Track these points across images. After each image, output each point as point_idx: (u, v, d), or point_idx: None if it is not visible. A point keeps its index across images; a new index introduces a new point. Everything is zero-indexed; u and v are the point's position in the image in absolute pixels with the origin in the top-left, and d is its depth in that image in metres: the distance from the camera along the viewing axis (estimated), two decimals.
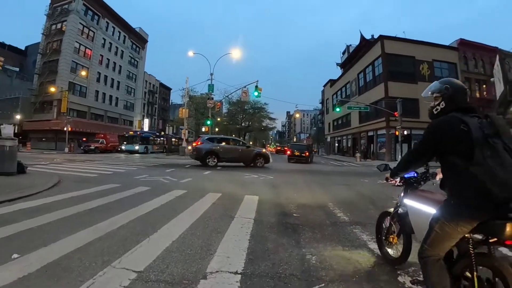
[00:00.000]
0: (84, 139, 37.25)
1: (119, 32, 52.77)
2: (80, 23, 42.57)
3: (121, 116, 53.72)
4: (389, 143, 32.07)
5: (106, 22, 48.84)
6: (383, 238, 3.28)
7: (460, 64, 37.82)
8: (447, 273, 1.98)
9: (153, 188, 7.96)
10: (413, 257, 2.62)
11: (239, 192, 7.84)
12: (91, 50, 45.26)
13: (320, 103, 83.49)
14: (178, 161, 21.56)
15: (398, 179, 2.86)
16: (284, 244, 3.77)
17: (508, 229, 1.69)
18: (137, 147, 33.47)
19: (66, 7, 41.40)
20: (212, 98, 27.49)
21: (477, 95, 39.21)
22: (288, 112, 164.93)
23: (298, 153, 24.33)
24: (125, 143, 34.30)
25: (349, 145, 45.57)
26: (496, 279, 1.78)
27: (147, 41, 62.71)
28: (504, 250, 2.43)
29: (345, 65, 51.32)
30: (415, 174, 2.86)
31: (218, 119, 51.09)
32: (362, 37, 41.24)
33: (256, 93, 22.93)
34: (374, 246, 3.66)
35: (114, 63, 51.51)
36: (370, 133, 36.89)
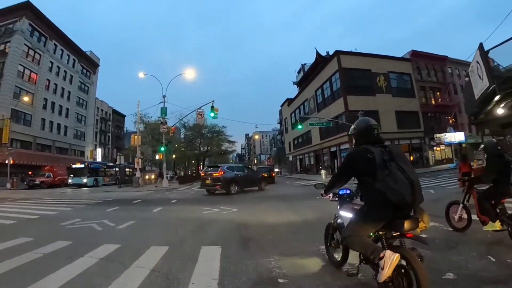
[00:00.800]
0: (30, 172, 32.76)
1: (68, 55, 48.41)
2: (25, 44, 38.10)
3: (71, 146, 48.61)
4: None
5: (54, 44, 44.50)
6: (329, 245, 3.91)
7: (414, 74, 38.72)
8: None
9: (74, 244, 5.36)
10: (351, 259, 3.43)
11: (194, 241, 5.48)
12: (36, 74, 40.47)
13: (278, 123, 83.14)
14: (129, 194, 18.61)
15: (331, 195, 3.54)
16: None
17: (405, 225, 2.43)
18: (85, 180, 29.74)
19: (10, 26, 36.86)
20: (166, 123, 24.91)
21: (433, 102, 40.22)
22: (247, 135, 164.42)
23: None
24: (72, 176, 30.56)
25: (311, 163, 44.46)
26: (404, 261, 2.36)
27: (98, 65, 58.39)
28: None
29: (302, 83, 51.07)
30: (348, 191, 3.57)
31: (176, 145, 48.21)
32: (318, 54, 41.07)
33: (212, 114, 20.74)
34: None
35: (63, 88, 46.81)
36: (333, 149, 35.95)
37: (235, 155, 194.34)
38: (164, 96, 25.04)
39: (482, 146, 5.13)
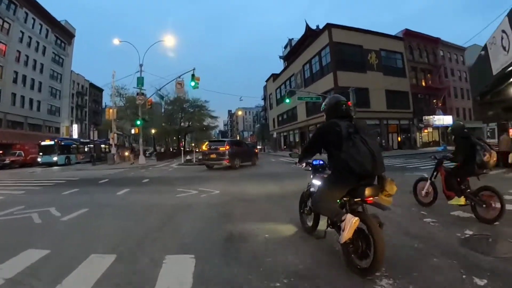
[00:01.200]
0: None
1: (41, 25, 43.81)
2: None
3: (45, 122, 45.01)
4: None
5: (25, 12, 39.89)
6: (302, 211, 4.21)
7: (406, 54, 37.46)
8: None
9: None
10: (322, 225, 3.56)
11: (156, 246, 3.76)
12: (5, 45, 36.46)
13: (262, 99, 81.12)
14: (99, 173, 16.54)
15: (304, 164, 3.85)
16: None
17: (366, 192, 2.72)
18: (55, 158, 27.10)
19: None
20: (143, 94, 22.62)
21: (423, 83, 39.20)
22: (229, 111, 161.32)
23: None
24: (41, 154, 27.84)
25: (296, 140, 43.06)
26: (364, 226, 2.65)
27: (74, 36, 53.54)
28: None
29: (289, 58, 48.95)
30: (322, 162, 3.78)
31: (155, 120, 45.73)
32: (308, 27, 38.93)
33: (192, 84, 18.65)
34: None
35: (35, 60, 42.64)
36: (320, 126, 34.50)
37: (218, 132, 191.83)
38: (141, 65, 22.61)
39: (450, 128, 5.44)
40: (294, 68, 42.17)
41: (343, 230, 2.63)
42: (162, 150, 51.25)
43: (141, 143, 23.70)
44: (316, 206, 3.17)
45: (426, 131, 40.39)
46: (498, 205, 4.22)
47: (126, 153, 33.75)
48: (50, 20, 46.11)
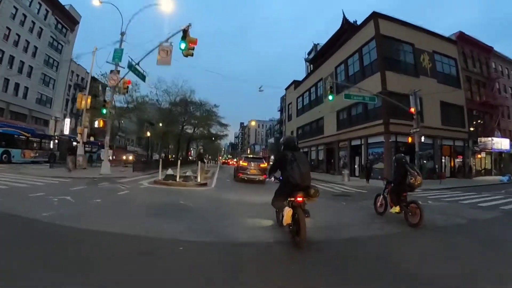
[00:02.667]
0: None
1: (40, 4, 38.56)
2: None
3: (31, 112, 39.18)
4: (388, 154, 22.60)
5: None
6: (277, 211, 5.90)
7: (459, 61, 30.30)
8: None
9: None
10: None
11: None
12: None
13: (279, 110, 74.41)
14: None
15: (273, 179, 5.65)
16: None
17: (297, 195, 4.69)
18: None
19: None
20: (118, 72, 15.79)
21: (478, 98, 31.91)
22: (241, 123, 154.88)
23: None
24: None
25: (321, 158, 35.74)
26: (297, 215, 4.61)
27: (78, 23, 48.12)
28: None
29: (316, 61, 42.19)
30: (281, 177, 5.16)
31: (158, 124, 39.10)
32: (345, 20, 32.12)
33: (183, 46, 11.70)
34: None
35: (27, 42, 37.29)
36: (356, 142, 27.31)
37: (228, 144, 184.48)
38: (122, 34, 15.97)
39: (394, 158, 7.75)
40: (323, 72, 35.29)
41: (283, 216, 4.82)
42: (163, 156, 44.43)
43: (107, 141, 16.30)
44: (273, 203, 5.37)
45: (479, 156, 32.86)
46: (419, 214, 6.37)
47: (127, 157, 26.91)
48: (52, 1, 40.60)
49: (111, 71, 15.64)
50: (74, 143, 22.48)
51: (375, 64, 24.92)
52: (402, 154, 7.56)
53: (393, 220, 6.97)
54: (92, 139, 43.03)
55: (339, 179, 22.04)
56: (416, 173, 6.74)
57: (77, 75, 52.06)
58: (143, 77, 15.54)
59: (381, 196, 7.76)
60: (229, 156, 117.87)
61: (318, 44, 51.82)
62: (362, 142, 26.02)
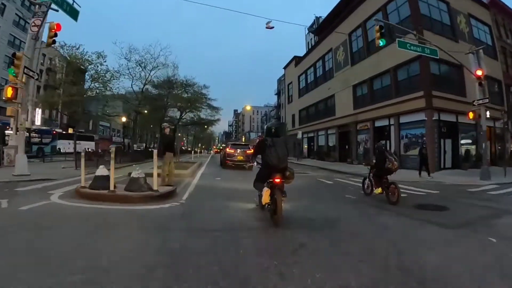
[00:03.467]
0: None
1: None
2: None
3: None
4: (431, 136, 17.57)
5: None
6: (258, 194, 5.84)
7: (494, 29, 25.26)
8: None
9: None
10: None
11: None
12: None
13: (275, 94, 68.93)
14: None
15: (255, 163, 5.93)
16: None
17: (276, 177, 5.01)
18: None
19: None
20: (44, 14, 10.03)
21: None
22: (235, 111, 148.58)
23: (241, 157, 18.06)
24: None
25: (331, 144, 30.35)
26: (275, 195, 4.84)
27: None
28: None
29: (321, 31, 36.44)
30: (261, 162, 5.60)
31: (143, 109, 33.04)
32: None
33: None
34: None
35: None
36: (381, 122, 22.02)
37: (222, 133, 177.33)
38: None
39: (376, 145, 8.76)
40: (332, 42, 29.76)
41: (261, 196, 5.21)
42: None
43: (22, 123, 10.45)
44: (254, 184, 5.73)
45: None
46: (397, 194, 7.30)
47: (111, 149, 21.46)
48: None
49: (34, 14, 9.98)
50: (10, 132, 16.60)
51: (407, 22, 19.46)
52: (383, 142, 10.89)
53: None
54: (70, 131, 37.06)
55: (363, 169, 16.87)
56: (393, 159, 7.67)
57: (49, 59, 44.92)
58: (72, 12, 9.87)
59: (367, 179, 8.68)
60: (222, 145, 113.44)
61: (320, 17, 46.25)
62: (391, 122, 20.68)
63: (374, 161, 8.14)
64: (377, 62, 21.87)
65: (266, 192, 5.00)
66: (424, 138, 17.90)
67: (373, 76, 22.33)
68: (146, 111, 34.51)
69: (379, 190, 7.79)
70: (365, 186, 8.70)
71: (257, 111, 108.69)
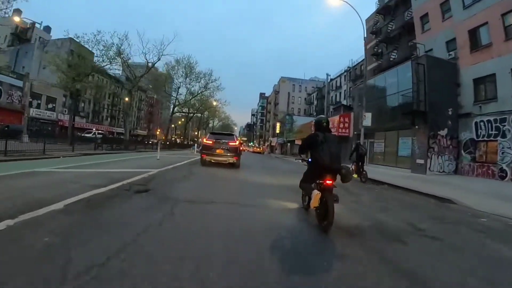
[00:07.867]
0: None
1: None
2: None
3: None
4: None
5: None
6: (302, 194, 5.81)
7: None
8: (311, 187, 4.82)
9: None
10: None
11: None
12: None
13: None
14: None
15: (301, 160, 5.75)
16: None
17: (326, 178, 4.34)
18: None
19: None
20: None
21: None
22: (262, 94, 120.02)
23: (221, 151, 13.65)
24: None
25: None
26: (325, 199, 4.27)
27: None
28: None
29: None
30: (310, 160, 4.94)
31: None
32: None
33: None
34: None
35: None
36: None
37: (243, 127, 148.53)
38: None
39: (355, 143, 13.59)
40: None
41: (311, 199, 4.47)
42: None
43: None
44: (300, 186, 5.12)
45: None
46: (366, 177, 11.81)
47: None
48: None
49: None
50: None
51: None
52: (359, 141, 15.16)
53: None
54: None
55: None
56: (364, 149, 13.22)
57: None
58: None
59: (351, 166, 12.16)
60: (243, 138, 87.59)
61: None
62: None
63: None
64: None
65: (316, 195, 4.34)
66: None
67: None
68: None
69: (356, 176, 11.84)
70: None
71: (300, 86, 75.82)
